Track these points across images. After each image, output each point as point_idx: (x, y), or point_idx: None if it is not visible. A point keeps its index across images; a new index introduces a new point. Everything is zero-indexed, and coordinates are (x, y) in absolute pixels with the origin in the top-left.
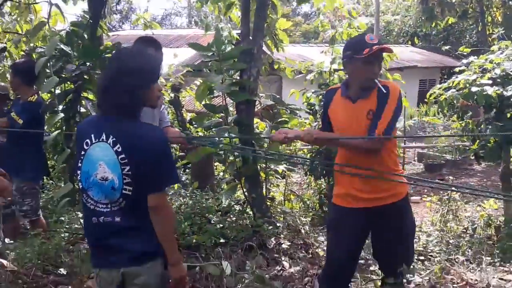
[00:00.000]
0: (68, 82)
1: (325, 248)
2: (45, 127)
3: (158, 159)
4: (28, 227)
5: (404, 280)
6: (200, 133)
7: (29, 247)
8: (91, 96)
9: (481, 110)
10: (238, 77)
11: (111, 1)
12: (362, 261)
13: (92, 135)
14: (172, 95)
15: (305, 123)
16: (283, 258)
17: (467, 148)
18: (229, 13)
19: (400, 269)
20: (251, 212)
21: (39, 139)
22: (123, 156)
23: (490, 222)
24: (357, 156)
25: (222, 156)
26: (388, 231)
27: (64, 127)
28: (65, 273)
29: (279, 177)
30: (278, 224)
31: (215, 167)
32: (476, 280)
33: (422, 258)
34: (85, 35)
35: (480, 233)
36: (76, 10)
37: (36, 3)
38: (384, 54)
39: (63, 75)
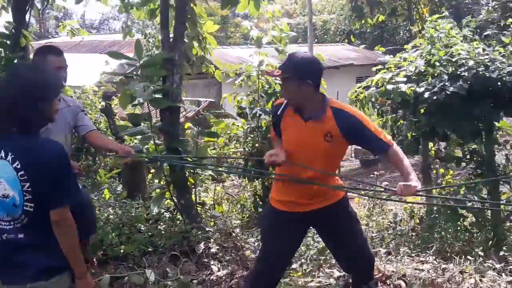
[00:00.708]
0: None
1: (253, 249)
2: None
3: (55, 175)
4: None
5: None
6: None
7: None
8: None
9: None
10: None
11: (40, 9)
12: None
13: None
14: (103, 103)
15: (237, 126)
16: (211, 262)
17: None
18: (153, 18)
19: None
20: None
21: None
22: (22, 172)
23: (413, 214)
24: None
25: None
26: (333, 228)
27: None
28: None
29: (208, 183)
30: (207, 229)
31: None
32: (392, 271)
33: None
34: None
35: (403, 225)
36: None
37: None
38: (318, 53)
39: None
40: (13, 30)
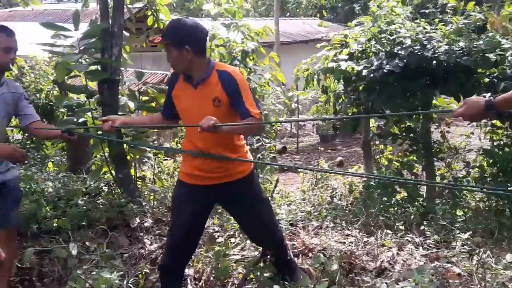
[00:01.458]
0: None
1: None
2: None
3: None
4: None
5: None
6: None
7: None
8: None
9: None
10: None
11: None
12: None
13: None
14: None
15: None
16: (145, 237)
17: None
18: None
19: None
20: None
21: None
22: None
23: (352, 189)
24: (204, 138)
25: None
26: (235, 205)
27: None
28: None
29: (147, 157)
30: (144, 203)
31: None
32: (316, 244)
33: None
34: None
35: (341, 199)
36: None
37: None
38: (258, 30)
39: None
40: None
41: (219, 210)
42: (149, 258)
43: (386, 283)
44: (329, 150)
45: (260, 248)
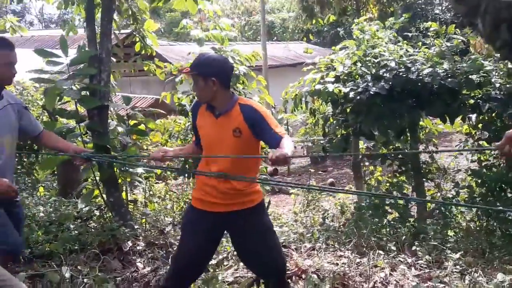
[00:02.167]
0: None
1: None
2: None
3: None
4: None
5: None
6: None
7: None
8: None
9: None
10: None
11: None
12: None
13: None
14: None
15: (179, 123)
16: (138, 260)
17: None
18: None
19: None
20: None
21: None
22: None
23: (343, 210)
24: (223, 163)
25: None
26: (243, 234)
27: None
28: None
29: (138, 181)
30: (136, 227)
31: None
32: (309, 265)
33: None
34: None
35: (333, 221)
36: None
37: None
38: (249, 54)
39: None
40: None
41: None
42: (142, 281)
43: None
44: (320, 172)
45: None
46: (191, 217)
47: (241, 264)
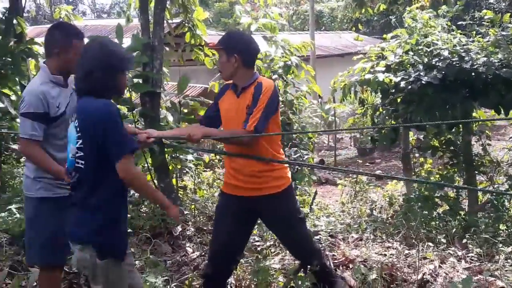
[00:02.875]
0: None
1: None
2: None
3: (104, 130)
4: None
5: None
6: None
7: None
8: (8, 92)
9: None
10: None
11: None
12: None
13: (73, 114)
14: None
15: None
16: (187, 244)
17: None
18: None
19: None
20: None
21: None
22: (78, 130)
23: (392, 202)
24: (235, 149)
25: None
26: (271, 220)
27: None
28: None
29: (188, 167)
30: (185, 212)
31: None
32: (356, 255)
33: (317, 238)
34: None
35: (381, 212)
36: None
37: None
38: (298, 45)
39: None
40: (5, 15)
41: (259, 221)
42: (192, 265)
43: None
44: (367, 164)
45: None
46: (220, 201)
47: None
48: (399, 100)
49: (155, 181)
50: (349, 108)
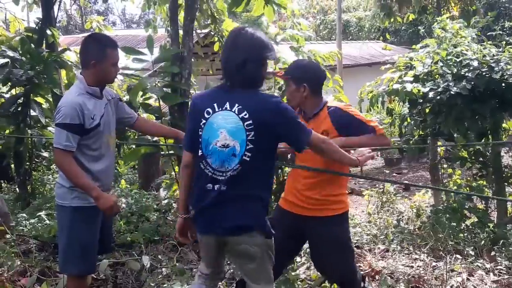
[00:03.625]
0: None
1: None
2: None
3: (288, 120)
4: None
5: None
6: None
7: None
8: (40, 100)
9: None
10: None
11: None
12: None
13: (215, 105)
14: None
15: None
16: None
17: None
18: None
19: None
20: None
21: None
22: (249, 122)
23: (419, 213)
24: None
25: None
26: (318, 242)
27: (14, 131)
28: None
29: None
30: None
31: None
32: (383, 267)
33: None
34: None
35: (408, 223)
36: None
37: None
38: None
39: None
40: (38, 25)
41: None
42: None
43: None
44: (394, 174)
45: None
46: (275, 216)
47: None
48: (427, 110)
49: None
50: (376, 118)
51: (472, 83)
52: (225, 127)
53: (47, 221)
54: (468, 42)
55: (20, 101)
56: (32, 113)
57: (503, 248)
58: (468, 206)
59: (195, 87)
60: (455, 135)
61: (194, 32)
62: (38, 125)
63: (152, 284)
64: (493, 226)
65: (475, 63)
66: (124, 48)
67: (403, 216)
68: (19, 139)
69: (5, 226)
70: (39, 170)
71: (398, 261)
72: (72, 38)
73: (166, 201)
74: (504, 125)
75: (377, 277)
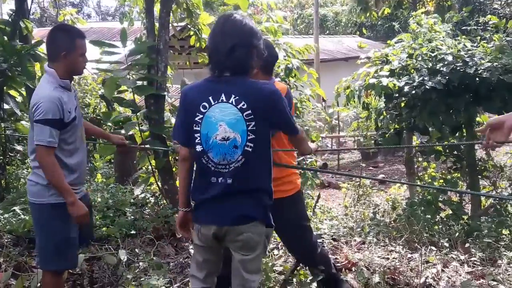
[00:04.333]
0: None
1: None
2: None
3: (279, 110)
4: None
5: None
6: None
7: None
8: (14, 93)
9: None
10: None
11: None
12: None
13: (210, 98)
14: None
15: None
16: (190, 246)
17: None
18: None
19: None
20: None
21: None
22: (248, 112)
23: (395, 206)
24: None
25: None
26: (278, 222)
27: None
28: None
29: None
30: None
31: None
32: (359, 259)
33: (319, 241)
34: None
35: (384, 216)
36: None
37: None
38: (300, 48)
39: None
40: (11, 17)
41: None
42: None
43: None
44: (370, 167)
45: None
46: None
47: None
48: (403, 104)
49: (159, 183)
50: (353, 112)
51: (447, 77)
52: (224, 119)
53: (22, 216)
54: (443, 37)
55: None
56: (6, 106)
57: (477, 240)
58: (443, 199)
59: (170, 80)
60: (430, 128)
61: (170, 25)
62: (12, 118)
63: (129, 278)
64: (467, 218)
65: (450, 58)
66: (93, 41)
67: (379, 209)
68: None
69: None
70: (13, 165)
71: (374, 253)
72: (46, 30)
73: (142, 195)
74: (478, 119)
75: (353, 269)
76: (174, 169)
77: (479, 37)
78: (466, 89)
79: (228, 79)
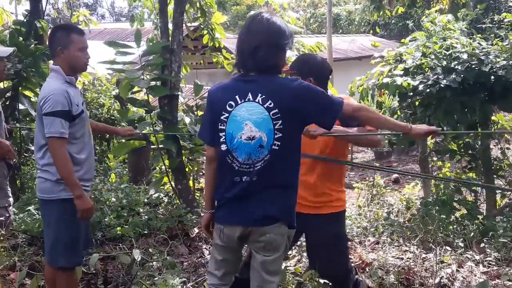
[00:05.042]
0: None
1: None
2: None
3: (314, 100)
4: None
5: None
6: None
7: None
8: (29, 93)
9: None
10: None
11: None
12: None
13: (237, 97)
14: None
15: None
16: (204, 246)
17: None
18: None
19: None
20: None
21: None
22: (275, 111)
23: (409, 205)
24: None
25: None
26: (314, 239)
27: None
28: None
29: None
30: (202, 214)
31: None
32: (373, 259)
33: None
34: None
35: (398, 216)
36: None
37: None
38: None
39: None
40: (26, 18)
41: None
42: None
43: None
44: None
45: None
46: None
47: (305, 254)
48: (417, 103)
49: (172, 183)
50: None
51: (462, 75)
52: (250, 118)
53: (37, 216)
54: (458, 35)
55: (8, 94)
56: (21, 106)
57: (492, 240)
58: (458, 198)
59: (184, 80)
60: (444, 128)
61: (184, 25)
62: (27, 119)
63: (143, 278)
64: (483, 218)
65: (465, 56)
66: (107, 42)
67: (393, 209)
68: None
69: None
70: (28, 165)
71: (388, 253)
72: None
73: (156, 195)
74: (493, 117)
75: (367, 269)
76: (187, 169)
77: (493, 35)
78: (481, 88)
79: (255, 78)
